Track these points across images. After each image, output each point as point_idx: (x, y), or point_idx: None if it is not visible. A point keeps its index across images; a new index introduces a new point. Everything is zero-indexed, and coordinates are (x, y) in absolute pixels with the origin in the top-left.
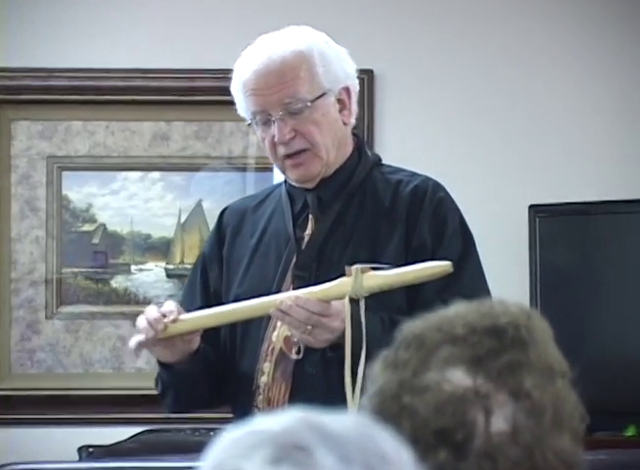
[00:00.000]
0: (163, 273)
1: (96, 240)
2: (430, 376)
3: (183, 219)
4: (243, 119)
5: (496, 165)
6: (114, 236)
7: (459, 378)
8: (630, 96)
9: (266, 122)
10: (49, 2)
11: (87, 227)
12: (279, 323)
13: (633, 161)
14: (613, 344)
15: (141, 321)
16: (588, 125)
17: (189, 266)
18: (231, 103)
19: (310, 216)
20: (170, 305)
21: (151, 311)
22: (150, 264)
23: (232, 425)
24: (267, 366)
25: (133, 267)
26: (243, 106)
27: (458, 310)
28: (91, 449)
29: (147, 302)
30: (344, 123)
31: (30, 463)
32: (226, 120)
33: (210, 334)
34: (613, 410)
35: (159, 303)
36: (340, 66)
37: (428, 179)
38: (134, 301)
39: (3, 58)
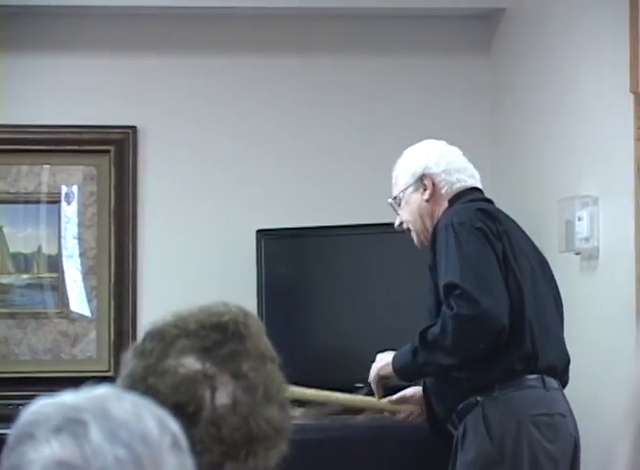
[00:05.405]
0: None
1: None
2: (169, 362)
3: None
4: (35, 163)
5: (231, 198)
6: None
7: (191, 363)
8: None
9: None
10: None
11: None
12: None
13: (344, 191)
14: (323, 338)
15: None
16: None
17: None
18: (25, 151)
19: None
20: None
21: None
22: None
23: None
24: None
25: None
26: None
27: (191, 311)
28: None
29: None
30: (427, 201)
31: None
32: (22, 164)
33: None
34: (322, 386)
35: None
36: (405, 173)
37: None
38: None
39: None
